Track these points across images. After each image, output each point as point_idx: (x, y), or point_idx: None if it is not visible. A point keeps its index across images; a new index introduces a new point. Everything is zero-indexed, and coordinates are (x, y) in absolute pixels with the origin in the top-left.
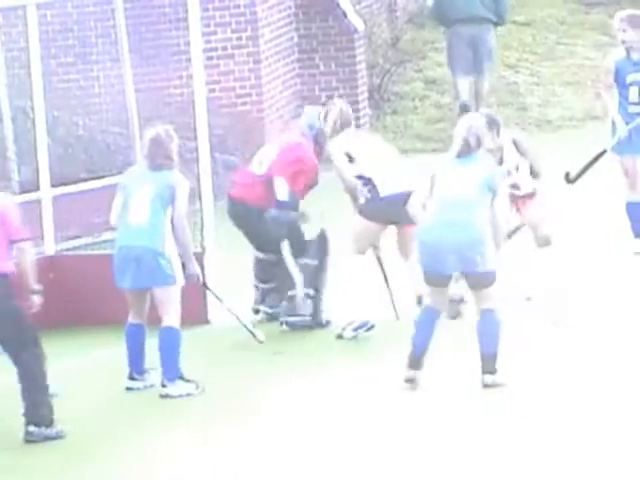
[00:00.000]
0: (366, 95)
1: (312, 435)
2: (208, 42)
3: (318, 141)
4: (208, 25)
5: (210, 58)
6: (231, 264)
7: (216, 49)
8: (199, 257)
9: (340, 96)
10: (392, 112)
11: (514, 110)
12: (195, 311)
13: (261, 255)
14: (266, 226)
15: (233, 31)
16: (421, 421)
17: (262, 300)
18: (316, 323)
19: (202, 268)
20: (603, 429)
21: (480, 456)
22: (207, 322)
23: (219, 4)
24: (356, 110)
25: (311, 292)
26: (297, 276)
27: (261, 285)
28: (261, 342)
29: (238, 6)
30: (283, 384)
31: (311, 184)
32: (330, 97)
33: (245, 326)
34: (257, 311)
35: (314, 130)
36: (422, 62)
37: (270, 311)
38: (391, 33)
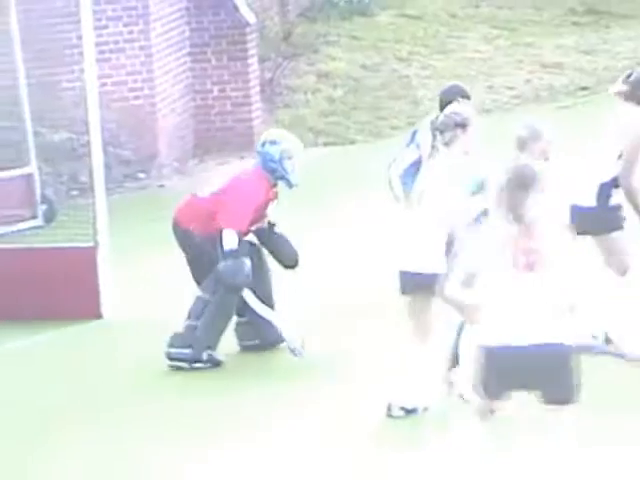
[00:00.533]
0: (258, 89)
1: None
2: (100, 36)
3: (275, 175)
4: (100, 19)
5: (102, 52)
6: (124, 259)
7: (108, 43)
8: (92, 252)
9: (232, 90)
10: (284, 106)
11: (406, 103)
12: (87, 304)
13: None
14: (202, 258)
15: (125, 25)
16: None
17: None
18: (194, 358)
19: (95, 264)
20: None
21: None
22: (100, 316)
23: None
24: (248, 104)
25: (194, 324)
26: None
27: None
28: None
29: (130, 0)
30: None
31: (257, 219)
32: (222, 91)
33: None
34: None
35: (274, 162)
36: (314, 55)
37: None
38: (283, 27)
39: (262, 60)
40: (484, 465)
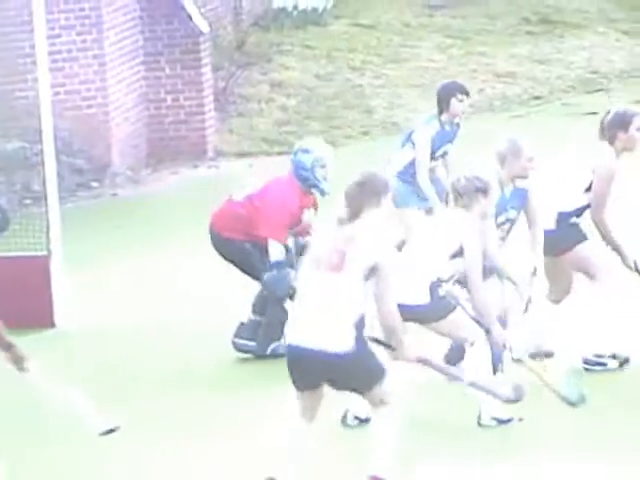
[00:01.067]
0: (212, 98)
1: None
2: (53, 45)
3: (307, 183)
4: (53, 28)
5: (55, 61)
6: (77, 267)
7: (61, 52)
8: (45, 261)
9: (185, 99)
10: (238, 115)
11: (359, 112)
12: (40, 313)
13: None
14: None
15: (78, 34)
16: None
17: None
18: (259, 352)
19: (48, 272)
20: None
21: None
22: (53, 325)
23: (64, 7)
24: (201, 113)
25: (257, 319)
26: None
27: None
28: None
29: (83, 9)
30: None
31: (293, 226)
32: (176, 100)
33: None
34: None
35: (305, 171)
36: (267, 65)
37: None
38: (236, 36)
39: (215, 69)
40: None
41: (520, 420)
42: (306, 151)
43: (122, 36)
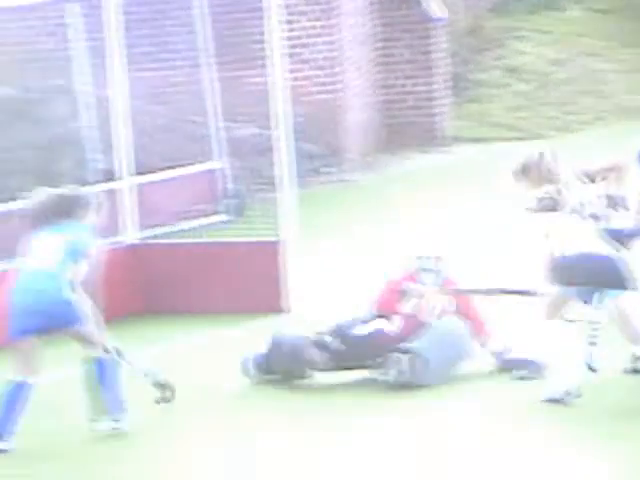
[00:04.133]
0: (443, 84)
1: None
2: (287, 31)
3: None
4: (288, 14)
5: (289, 47)
6: (309, 253)
7: (295, 38)
8: (277, 246)
9: (416, 85)
10: (469, 100)
11: (594, 98)
12: (272, 298)
13: None
14: None
15: (312, 20)
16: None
17: None
18: None
19: (280, 258)
20: None
21: None
22: (286, 311)
23: None
24: (432, 98)
25: None
26: None
27: None
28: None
29: None
30: None
31: None
32: (407, 85)
33: None
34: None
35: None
36: (501, 50)
37: None
38: (470, 21)
39: (449, 55)
40: None
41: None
42: None
43: (356, 21)
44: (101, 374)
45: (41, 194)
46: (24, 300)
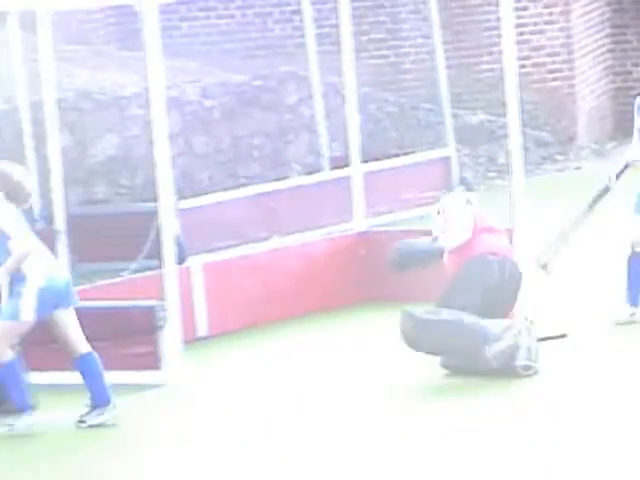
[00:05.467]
0: None
1: None
2: (519, 17)
3: None
4: (520, 0)
5: (521, 34)
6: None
7: (527, 25)
8: (509, 234)
9: None
10: None
11: None
12: None
13: None
14: None
15: (545, 6)
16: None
17: None
18: None
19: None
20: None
21: None
22: None
23: None
24: None
25: None
26: None
27: None
28: None
29: None
30: None
31: None
32: (632, 73)
33: None
34: None
35: None
36: None
37: None
38: None
39: None
40: None
41: None
42: None
43: (588, 8)
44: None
45: None
46: None
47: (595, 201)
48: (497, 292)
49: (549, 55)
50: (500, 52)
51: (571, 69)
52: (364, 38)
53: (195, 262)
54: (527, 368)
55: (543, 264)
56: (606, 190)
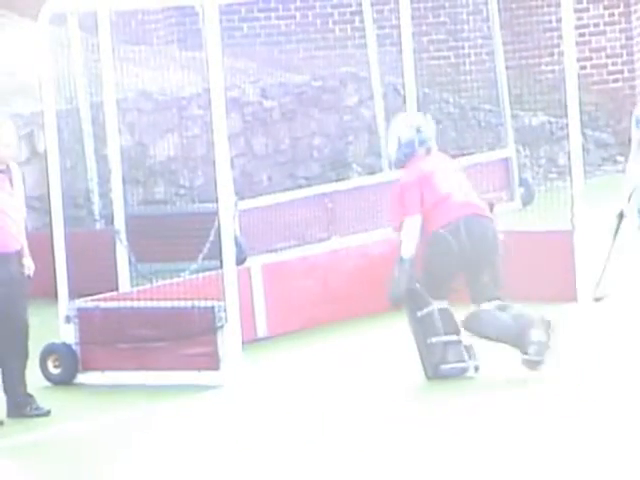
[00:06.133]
0: None
1: None
2: (579, 19)
3: None
4: (580, 2)
5: (581, 35)
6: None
7: (588, 26)
8: (569, 235)
9: None
10: None
11: None
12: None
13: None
14: None
15: (605, 7)
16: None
17: None
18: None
19: (572, 247)
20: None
21: None
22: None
23: None
24: None
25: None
26: None
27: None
28: None
29: None
30: None
31: None
32: None
33: None
34: None
35: None
36: None
37: None
38: None
39: None
40: None
41: None
42: None
43: None
44: None
45: None
46: None
47: (617, 231)
48: (464, 257)
49: (609, 56)
50: (560, 53)
51: (631, 70)
52: (424, 39)
53: (255, 263)
54: (534, 364)
55: (597, 298)
56: (621, 216)
